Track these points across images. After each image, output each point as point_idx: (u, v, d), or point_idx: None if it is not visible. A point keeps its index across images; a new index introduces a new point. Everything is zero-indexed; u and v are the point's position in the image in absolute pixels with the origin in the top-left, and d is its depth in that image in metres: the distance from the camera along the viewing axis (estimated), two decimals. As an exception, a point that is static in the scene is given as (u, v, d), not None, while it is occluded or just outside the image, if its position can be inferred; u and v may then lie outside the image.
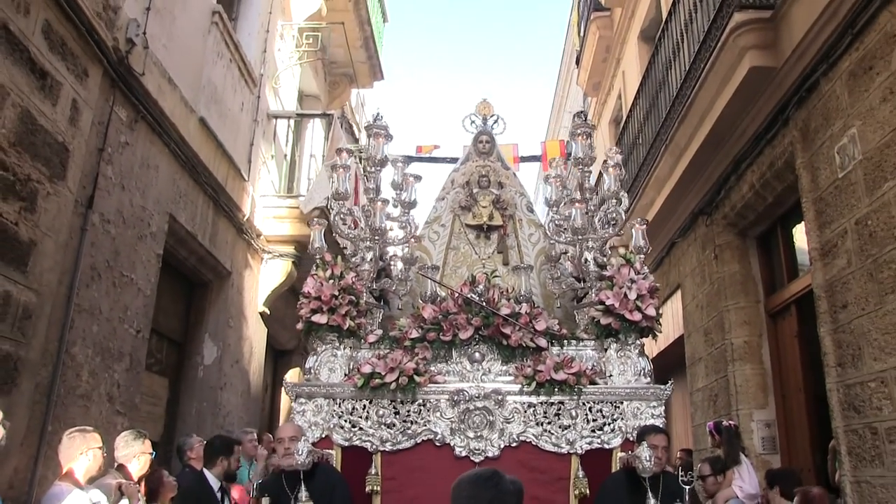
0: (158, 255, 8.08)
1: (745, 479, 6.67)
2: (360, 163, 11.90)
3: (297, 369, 14.47)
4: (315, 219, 6.84)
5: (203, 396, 9.65)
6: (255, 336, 11.45)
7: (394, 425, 5.71)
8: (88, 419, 6.33)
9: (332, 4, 13.83)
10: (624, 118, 13.72)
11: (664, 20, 10.32)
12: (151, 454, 5.61)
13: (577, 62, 18.77)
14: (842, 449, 6.36)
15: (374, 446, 5.66)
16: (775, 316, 8.81)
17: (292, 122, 13.24)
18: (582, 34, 17.98)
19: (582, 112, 8.04)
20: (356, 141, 17.90)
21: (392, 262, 6.86)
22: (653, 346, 13.18)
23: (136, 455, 5.45)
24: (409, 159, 18.78)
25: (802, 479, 6.90)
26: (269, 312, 11.71)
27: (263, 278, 11.53)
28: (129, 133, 7.37)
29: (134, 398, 7.53)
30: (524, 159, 18.31)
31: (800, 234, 7.89)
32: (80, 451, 4.84)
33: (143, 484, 5.45)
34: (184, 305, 9.89)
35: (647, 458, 4.93)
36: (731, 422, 7.44)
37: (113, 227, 7.07)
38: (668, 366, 13.26)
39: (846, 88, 6.26)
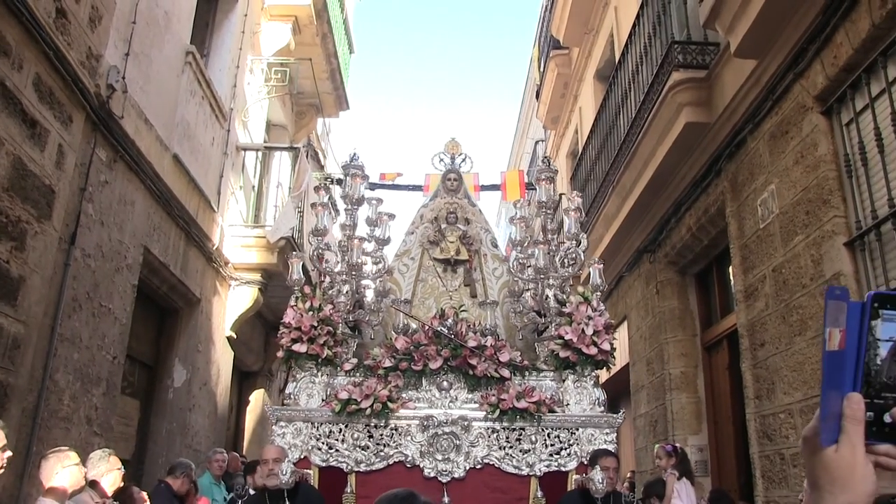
0: (134, 285, 8.56)
1: (682, 498, 7.21)
2: (328, 191, 12.43)
3: (262, 390, 14.93)
4: (293, 253, 7.32)
5: (173, 417, 10.10)
6: (223, 359, 11.91)
7: (368, 448, 6.15)
8: (69, 440, 6.76)
9: (300, 39, 14.35)
10: (580, 153, 14.32)
11: (615, 68, 10.96)
12: (120, 469, 6.09)
13: (538, 96, 19.39)
14: (756, 472, 6.97)
15: (349, 467, 6.10)
16: (710, 349, 9.42)
17: (260, 153, 13.75)
18: (542, 70, 18.60)
19: (546, 157, 8.55)
20: (322, 168, 18.40)
21: (365, 293, 7.31)
22: (603, 373, 13.78)
23: (104, 473, 5.93)
24: (372, 186, 19.26)
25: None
26: (235, 336, 12.17)
27: (231, 304, 12.00)
28: (109, 172, 7.86)
29: (110, 420, 8.01)
30: (484, 188, 18.77)
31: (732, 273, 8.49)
32: (55, 470, 5.27)
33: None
34: (155, 331, 10.35)
35: (600, 481, 5.43)
36: (678, 445, 8.02)
37: (93, 261, 7.55)
38: (617, 391, 13.86)
39: (767, 148, 6.90)
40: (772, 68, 6.65)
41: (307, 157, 13.20)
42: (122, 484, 6.10)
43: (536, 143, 22.74)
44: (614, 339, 6.67)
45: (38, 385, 6.62)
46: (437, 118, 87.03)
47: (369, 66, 77.63)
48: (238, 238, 11.93)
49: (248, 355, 13.71)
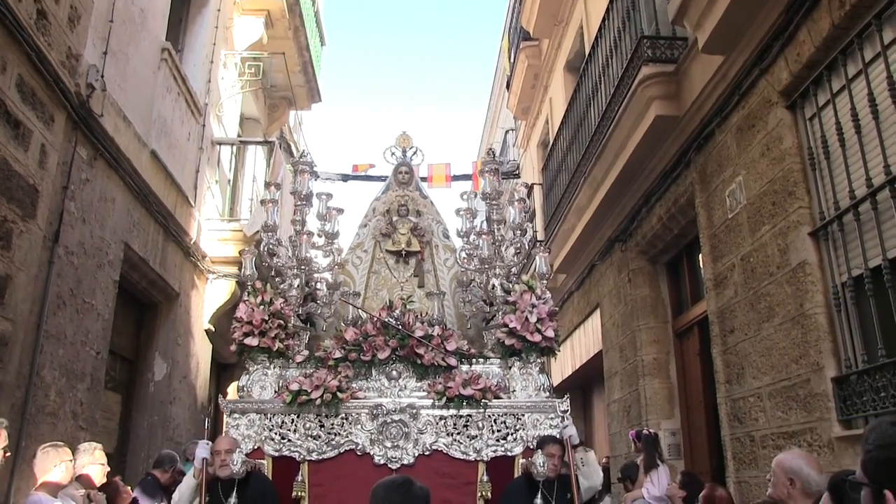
0: (115, 281, 8.68)
1: (655, 484, 7.43)
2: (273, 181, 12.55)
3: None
4: (246, 248, 7.43)
5: (154, 411, 10.23)
6: (201, 352, 12.04)
7: (319, 437, 6.26)
8: (56, 435, 6.89)
9: (272, 32, 14.47)
10: (551, 143, 14.50)
11: (584, 62, 11.15)
12: (104, 465, 6.25)
13: (508, 86, 19.54)
14: (727, 454, 7.22)
15: (301, 456, 6.21)
16: (681, 335, 9.65)
17: (235, 147, 13.85)
18: (512, 60, 18.75)
19: (490, 150, 8.70)
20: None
21: (318, 287, 7.41)
22: (576, 359, 14.06)
23: (86, 464, 6.13)
24: (345, 178, 19.39)
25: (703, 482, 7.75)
26: (213, 329, 12.28)
27: (209, 297, 12.12)
28: (90, 170, 7.97)
29: (94, 414, 8.14)
30: (456, 178, 18.95)
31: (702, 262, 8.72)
32: (53, 464, 5.41)
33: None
34: (135, 325, 10.47)
35: (542, 465, 5.61)
36: (650, 430, 8.23)
37: (76, 258, 7.66)
38: (590, 378, 14.13)
39: (735, 141, 7.12)
40: (738, 64, 6.86)
41: (280, 146, 13.34)
42: (104, 480, 6.25)
43: (507, 132, 22.90)
44: (558, 326, 6.81)
45: (26, 381, 6.75)
46: (408, 107, 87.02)
47: (341, 57, 77.56)
48: (215, 232, 12.05)
49: (226, 348, 13.74)
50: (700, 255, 8.30)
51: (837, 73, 5.68)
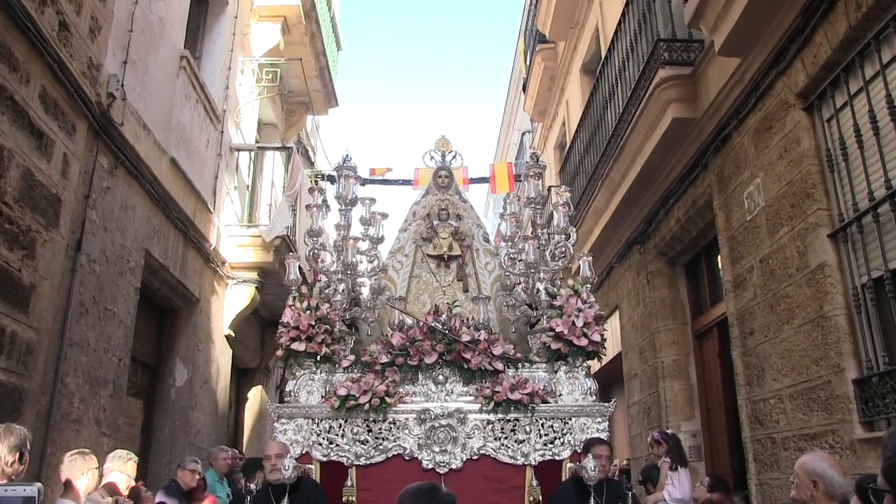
0: (136, 288, 8.74)
1: (676, 486, 7.42)
2: (316, 186, 12.60)
3: (260, 387, 15.10)
4: (290, 253, 7.44)
5: (175, 416, 10.29)
6: (222, 357, 12.09)
7: (367, 442, 6.30)
8: (80, 441, 6.97)
9: (289, 38, 14.51)
10: (567, 145, 14.51)
11: (600, 65, 11.17)
12: (130, 476, 6.29)
13: (524, 89, 19.56)
14: (749, 456, 7.22)
15: (349, 461, 6.25)
16: (700, 337, 9.64)
17: (253, 153, 13.92)
18: (528, 62, 18.76)
19: (534, 153, 8.69)
20: (311, 165, 18.59)
21: (360, 291, 7.44)
22: (595, 362, 14.02)
23: (113, 470, 6.17)
24: (363, 181, 19.41)
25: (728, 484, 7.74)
26: (233, 334, 12.33)
27: (228, 303, 12.16)
28: (110, 178, 8.03)
29: (117, 420, 8.20)
30: (473, 181, 18.93)
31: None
32: (81, 472, 5.45)
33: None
34: (156, 332, 10.52)
35: (592, 468, 5.55)
36: (670, 431, 8.24)
37: (98, 265, 7.73)
38: (610, 380, 14.09)
39: (752, 143, 7.13)
40: (755, 66, 6.87)
41: (297, 151, 13.40)
42: (127, 493, 6.30)
43: (523, 134, 22.91)
44: (604, 329, 6.84)
45: (50, 388, 6.81)
46: (424, 110, 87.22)
47: (357, 61, 77.74)
48: (234, 238, 12.09)
49: (246, 353, 13.89)
50: (719, 257, 8.29)
51: (855, 74, 5.68)
